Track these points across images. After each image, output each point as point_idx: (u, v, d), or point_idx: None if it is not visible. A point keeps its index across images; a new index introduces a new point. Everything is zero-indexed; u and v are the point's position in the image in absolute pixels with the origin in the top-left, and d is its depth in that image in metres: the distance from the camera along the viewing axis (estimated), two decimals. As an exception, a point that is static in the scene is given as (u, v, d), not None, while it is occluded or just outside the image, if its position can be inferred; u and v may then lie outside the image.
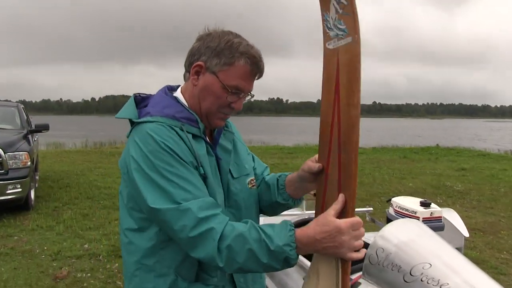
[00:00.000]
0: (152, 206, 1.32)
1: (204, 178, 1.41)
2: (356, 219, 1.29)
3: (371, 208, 3.86)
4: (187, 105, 1.49)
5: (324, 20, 1.39)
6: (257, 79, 1.50)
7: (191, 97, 1.50)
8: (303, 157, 17.43)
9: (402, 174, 12.08)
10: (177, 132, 1.40)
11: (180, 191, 1.32)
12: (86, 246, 5.61)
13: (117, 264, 5.01)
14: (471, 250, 5.54)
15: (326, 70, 1.42)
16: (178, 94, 1.53)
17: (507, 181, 11.08)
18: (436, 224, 2.88)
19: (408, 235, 1.66)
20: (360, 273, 1.78)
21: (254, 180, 1.66)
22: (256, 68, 1.45)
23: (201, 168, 1.41)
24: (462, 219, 3.80)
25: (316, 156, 1.50)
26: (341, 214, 1.30)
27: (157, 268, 1.43)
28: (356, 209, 3.71)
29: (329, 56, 1.40)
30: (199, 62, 1.45)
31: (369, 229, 5.06)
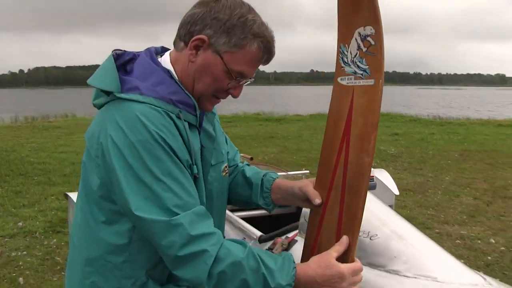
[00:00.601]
0: (137, 214, 1.11)
1: (195, 178, 1.24)
2: (358, 264, 1.21)
3: (308, 171, 4.00)
4: (179, 82, 1.26)
5: (340, 52, 1.27)
6: (264, 64, 1.30)
7: (183, 73, 1.26)
8: (242, 125, 17.57)
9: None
10: (174, 121, 1.19)
11: (171, 196, 1.12)
12: (20, 224, 5.40)
13: (55, 240, 4.89)
14: (402, 209, 5.89)
15: (334, 105, 1.33)
16: (167, 64, 1.28)
17: (435, 144, 11.77)
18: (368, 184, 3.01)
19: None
20: (297, 231, 1.87)
21: (228, 167, 1.48)
22: (268, 54, 1.26)
23: (195, 166, 1.22)
24: (395, 181, 4.02)
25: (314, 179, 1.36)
26: (342, 256, 1.21)
27: (125, 268, 1.22)
28: (293, 172, 3.82)
29: (340, 92, 1.31)
30: (202, 36, 1.20)
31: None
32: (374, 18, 1.19)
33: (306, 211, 1.82)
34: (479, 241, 4.84)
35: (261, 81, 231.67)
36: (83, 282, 1.27)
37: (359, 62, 1.24)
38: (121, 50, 1.29)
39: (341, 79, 1.30)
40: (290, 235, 1.85)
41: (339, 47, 1.28)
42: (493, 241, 4.82)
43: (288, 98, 60.49)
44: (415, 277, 1.37)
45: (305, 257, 1.37)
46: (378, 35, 1.19)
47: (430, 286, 1.32)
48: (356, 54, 1.24)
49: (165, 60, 1.29)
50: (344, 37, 1.26)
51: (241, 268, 1.11)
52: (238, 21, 1.19)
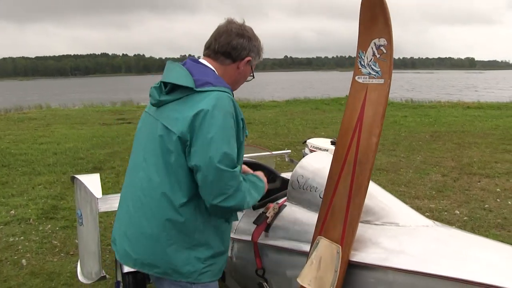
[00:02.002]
0: (218, 165, 1.61)
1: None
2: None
3: (289, 151, 4.32)
4: None
5: (358, 57, 1.64)
6: None
7: (226, 75, 1.86)
8: (220, 113, 17.79)
9: (315, 124, 12.88)
10: (233, 101, 1.74)
11: (235, 154, 1.67)
12: (12, 212, 5.58)
13: (49, 225, 5.09)
14: (376, 187, 6.27)
15: (352, 98, 1.70)
16: (210, 66, 1.85)
17: (407, 126, 12.27)
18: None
19: (321, 163, 2.07)
20: (285, 198, 2.19)
21: None
22: None
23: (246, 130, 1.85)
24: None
25: None
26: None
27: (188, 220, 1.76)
28: (276, 152, 4.14)
29: (357, 88, 1.67)
30: (249, 58, 1.88)
31: (289, 168, 5.56)
32: (387, 31, 1.57)
33: (292, 180, 2.14)
34: (445, 213, 5.27)
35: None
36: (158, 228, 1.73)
37: (373, 65, 1.62)
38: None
39: (358, 78, 1.68)
40: (280, 201, 2.17)
41: (358, 52, 1.66)
42: (458, 212, 5.27)
43: (263, 84, 60.75)
44: (383, 224, 1.71)
45: (321, 216, 1.72)
46: (389, 45, 1.57)
47: (394, 229, 1.67)
48: (371, 59, 1.61)
49: (207, 64, 1.84)
50: (363, 45, 1.64)
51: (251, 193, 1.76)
52: (260, 46, 1.93)
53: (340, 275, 1.56)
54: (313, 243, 1.68)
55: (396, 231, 1.67)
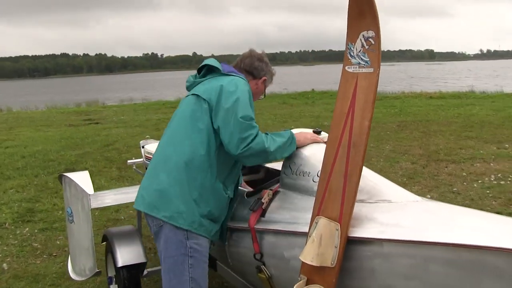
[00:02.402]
0: (243, 116, 2.05)
1: None
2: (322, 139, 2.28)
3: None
4: None
5: (348, 48, 1.77)
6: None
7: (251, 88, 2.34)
8: (188, 110, 17.78)
9: (284, 118, 13.04)
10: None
11: (253, 114, 2.13)
12: (-15, 217, 5.47)
13: (27, 228, 5.03)
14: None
15: (343, 87, 1.82)
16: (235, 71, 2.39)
17: (374, 117, 12.18)
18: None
19: (311, 150, 2.18)
20: (278, 184, 2.28)
21: None
22: None
23: None
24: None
25: None
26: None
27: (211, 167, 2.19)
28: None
29: (347, 77, 1.80)
30: (265, 78, 2.45)
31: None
32: (375, 24, 1.69)
33: (284, 167, 2.25)
34: (418, 198, 5.51)
35: (198, 65, 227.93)
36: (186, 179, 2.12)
37: (362, 56, 1.74)
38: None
39: (348, 68, 1.80)
40: (274, 187, 2.27)
41: (347, 44, 1.77)
42: (429, 197, 5.49)
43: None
44: (376, 202, 1.84)
45: (319, 197, 1.84)
46: (377, 37, 1.69)
47: (387, 206, 1.80)
48: (360, 50, 1.73)
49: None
50: (351, 38, 1.77)
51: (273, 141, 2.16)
52: (272, 72, 2.50)
53: (340, 250, 1.68)
54: (312, 223, 1.78)
55: (389, 207, 1.80)
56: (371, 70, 1.73)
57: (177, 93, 29.11)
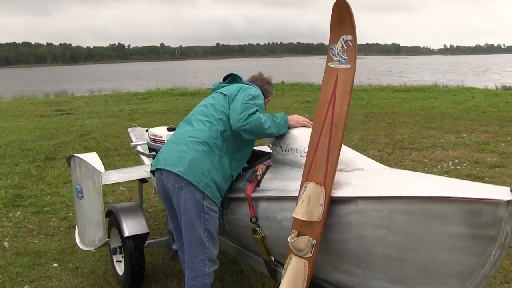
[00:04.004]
0: (247, 101, 2.58)
1: None
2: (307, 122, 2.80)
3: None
4: None
5: (330, 48, 2.19)
6: None
7: None
8: (159, 101, 17.99)
9: (256, 110, 13.43)
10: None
11: (261, 108, 2.63)
12: (-25, 203, 5.67)
13: (19, 212, 5.28)
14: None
15: (326, 79, 2.25)
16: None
17: (342, 108, 13.13)
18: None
19: (298, 131, 2.62)
20: (269, 160, 2.70)
21: None
22: None
23: None
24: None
25: None
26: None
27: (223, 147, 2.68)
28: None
29: (330, 72, 2.23)
30: (270, 98, 3.03)
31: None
32: (352, 30, 2.13)
33: (274, 145, 2.67)
34: (383, 181, 6.03)
35: (165, 56, 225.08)
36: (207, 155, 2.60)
37: (342, 55, 2.16)
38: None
39: (330, 64, 2.23)
40: (265, 162, 2.69)
41: (329, 45, 2.20)
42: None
43: (197, 72, 60.65)
44: (352, 170, 2.28)
45: (307, 167, 2.25)
46: (354, 40, 2.13)
47: (360, 173, 2.25)
48: (341, 50, 2.16)
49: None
50: (333, 40, 2.19)
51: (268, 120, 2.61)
52: (273, 91, 3.09)
53: (325, 208, 2.10)
54: (302, 187, 2.20)
55: (362, 174, 2.24)
56: (349, 66, 2.15)
57: (146, 84, 29.11)
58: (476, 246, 1.73)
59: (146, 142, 3.33)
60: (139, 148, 3.77)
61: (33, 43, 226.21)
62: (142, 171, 3.44)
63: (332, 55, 2.20)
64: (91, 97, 21.77)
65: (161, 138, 3.08)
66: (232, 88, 2.79)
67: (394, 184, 2.02)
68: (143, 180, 3.51)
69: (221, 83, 2.98)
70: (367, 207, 2.00)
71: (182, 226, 2.63)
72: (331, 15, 2.14)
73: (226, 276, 3.56)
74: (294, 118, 2.74)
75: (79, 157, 3.19)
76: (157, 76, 51.24)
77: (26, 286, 3.53)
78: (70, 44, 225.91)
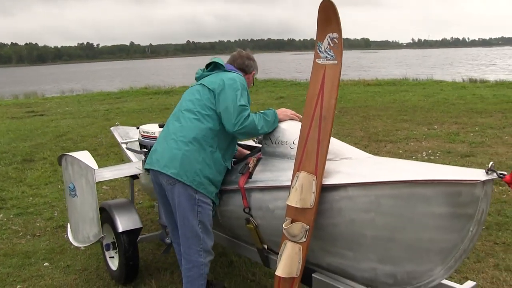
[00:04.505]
0: (239, 104, 2.63)
1: None
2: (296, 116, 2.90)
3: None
4: None
5: (317, 45, 2.31)
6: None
7: None
8: (132, 100, 17.89)
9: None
10: None
11: (247, 101, 2.71)
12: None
13: (1, 215, 5.25)
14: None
15: (314, 75, 2.37)
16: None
17: (317, 103, 13.36)
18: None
19: (287, 124, 2.75)
20: (260, 153, 2.82)
21: None
22: None
23: None
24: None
25: None
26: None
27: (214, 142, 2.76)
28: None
29: (318, 67, 2.36)
30: (254, 72, 3.07)
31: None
32: (338, 28, 2.26)
33: (265, 139, 2.80)
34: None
35: (136, 55, 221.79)
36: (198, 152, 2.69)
37: (329, 51, 2.30)
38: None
39: (318, 60, 2.36)
40: (256, 155, 2.81)
41: (316, 43, 2.32)
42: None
43: (168, 70, 60.22)
44: (341, 159, 2.43)
45: (298, 157, 2.38)
46: (339, 38, 2.27)
47: (348, 161, 2.40)
48: (327, 47, 2.29)
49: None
50: (320, 38, 2.32)
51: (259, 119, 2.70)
52: (257, 65, 3.10)
53: (317, 195, 2.24)
54: (294, 177, 2.34)
55: (350, 162, 2.40)
56: (335, 62, 2.30)
57: (118, 83, 28.80)
58: (456, 223, 1.90)
59: (137, 139, 3.41)
60: (129, 146, 3.83)
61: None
62: (133, 168, 3.52)
63: (319, 52, 2.34)
64: (62, 97, 21.46)
65: (153, 135, 3.16)
66: (215, 80, 2.81)
67: (381, 171, 2.18)
68: (134, 177, 3.60)
69: (203, 70, 3.00)
70: (356, 193, 2.15)
71: (177, 219, 2.75)
72: (318, 14, 2.28)
73: (217, 268, 3.67)
74: (282, 112, 2.86)
75: (71, 156, 3.25)
76: (128, 75, 50.70)
77: (19, 286, 3.57)
78: (36, 44, 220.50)
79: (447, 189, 1.88)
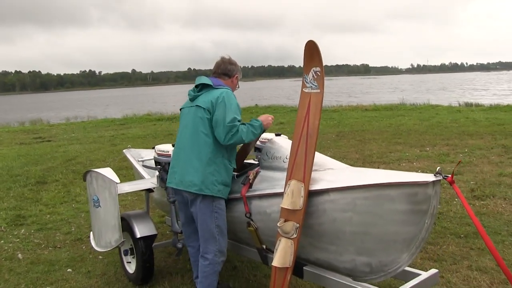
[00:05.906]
0: (227, 122, 3.07)
1: None
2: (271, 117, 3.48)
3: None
4: None
5: (304, 77, 2.84)
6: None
7: (229, 85, 3.42)
8: (137, 126, 18.49)
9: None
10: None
11: (239, 117, 3.16)
12: (-21, 223, 6.06)
13: (23, 230, 5.72)
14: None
15: (302, 101, 2.90)
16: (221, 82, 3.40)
17: (315, 127, 13.89)
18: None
19: (280, 142, 3.28)
20: (258, 167, 3.33)
21: None
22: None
23: None
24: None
25: None
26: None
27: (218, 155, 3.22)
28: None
29: (304, 95, 2.88)
30: (237, 75, 3.47)
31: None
32: (320, 63, 2.79)
33: (263, 153, 3.31)
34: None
35: (137, 82, 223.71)
36: (203, 167, 3.18)
37: (313, 82, 2.83)
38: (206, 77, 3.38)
39: (305, 89, 2.89)
40: (255, 169, 3.32)
41: (303, 75, 2.87)
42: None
43: (170, 97, 61.21)
44: (324, 170, 2.94)
45: (289, 168, 2.87)
46: (321, 71, 2.80)
47: (331, 171, 2.91)
48: (312, 78, 2.83)
49: (222, 83, 3.41)
50: (306, 71, 2.86)
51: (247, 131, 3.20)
52: (240, 68, 3.54)
53: (305, 199, 2.73)
54: (286, 184, 2.85)
55: (332, 172, 2.91)
56: (318, 91, 2.84)
57: (122, 110, 29.45)
58: (415, 218, 2.40)
59: (153, 157, 3.91)
60: (145, 163, 4.34)
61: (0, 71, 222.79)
62: (148, 182, 4.04)
63: (305, 83, 2.88)
64: (68, 124, 22.09)
65: (167, 153, 3.67)
66: (206, 99, 3.22)
67: (355, 177, 2.69)
68: (149, 190, 4.10)
69: (194, 91, 3.37)
70: (337, 196, 2.65)
71: (197, 224, 3.25)
72: (304, 52, 2.82)
73: (223, 271, 4.12)
74: (265, 120, 3.33)
75: (95, 171, 3.75)
76: (131, 102, 51.63)
77: (48, 287, 4.04)
78: (39, 71, 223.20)
79: (407, 190, 2.38)
